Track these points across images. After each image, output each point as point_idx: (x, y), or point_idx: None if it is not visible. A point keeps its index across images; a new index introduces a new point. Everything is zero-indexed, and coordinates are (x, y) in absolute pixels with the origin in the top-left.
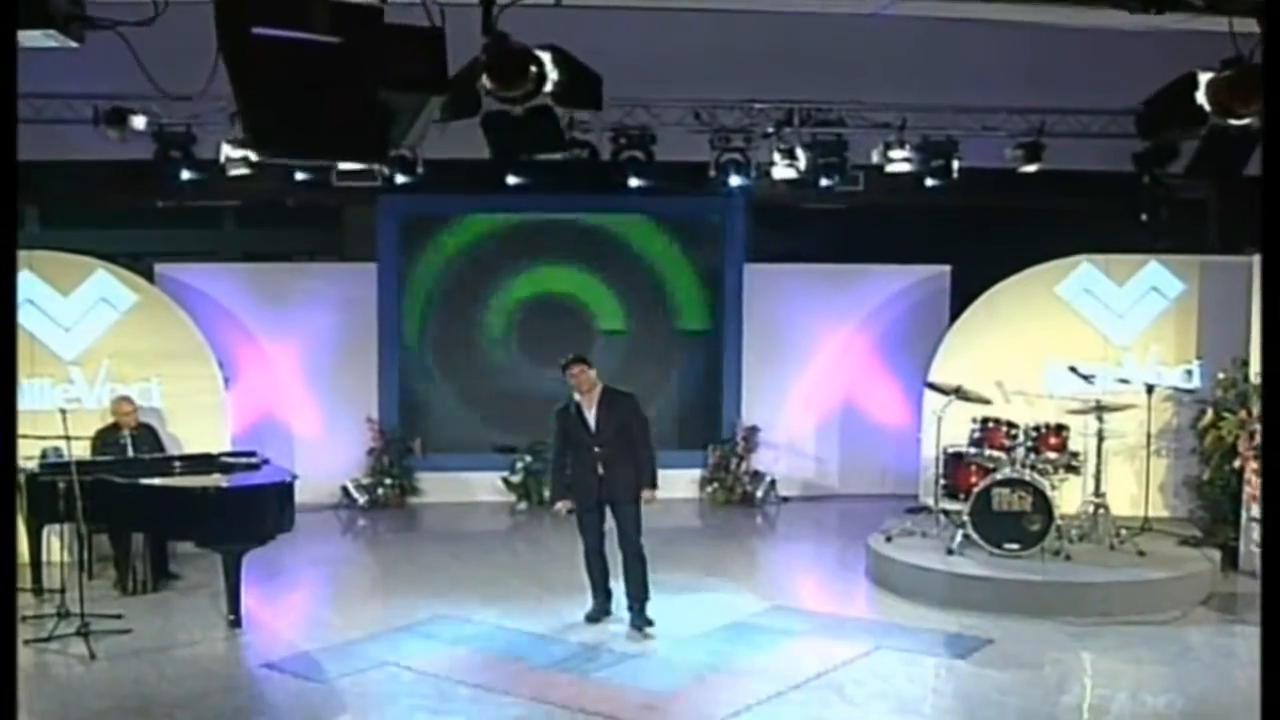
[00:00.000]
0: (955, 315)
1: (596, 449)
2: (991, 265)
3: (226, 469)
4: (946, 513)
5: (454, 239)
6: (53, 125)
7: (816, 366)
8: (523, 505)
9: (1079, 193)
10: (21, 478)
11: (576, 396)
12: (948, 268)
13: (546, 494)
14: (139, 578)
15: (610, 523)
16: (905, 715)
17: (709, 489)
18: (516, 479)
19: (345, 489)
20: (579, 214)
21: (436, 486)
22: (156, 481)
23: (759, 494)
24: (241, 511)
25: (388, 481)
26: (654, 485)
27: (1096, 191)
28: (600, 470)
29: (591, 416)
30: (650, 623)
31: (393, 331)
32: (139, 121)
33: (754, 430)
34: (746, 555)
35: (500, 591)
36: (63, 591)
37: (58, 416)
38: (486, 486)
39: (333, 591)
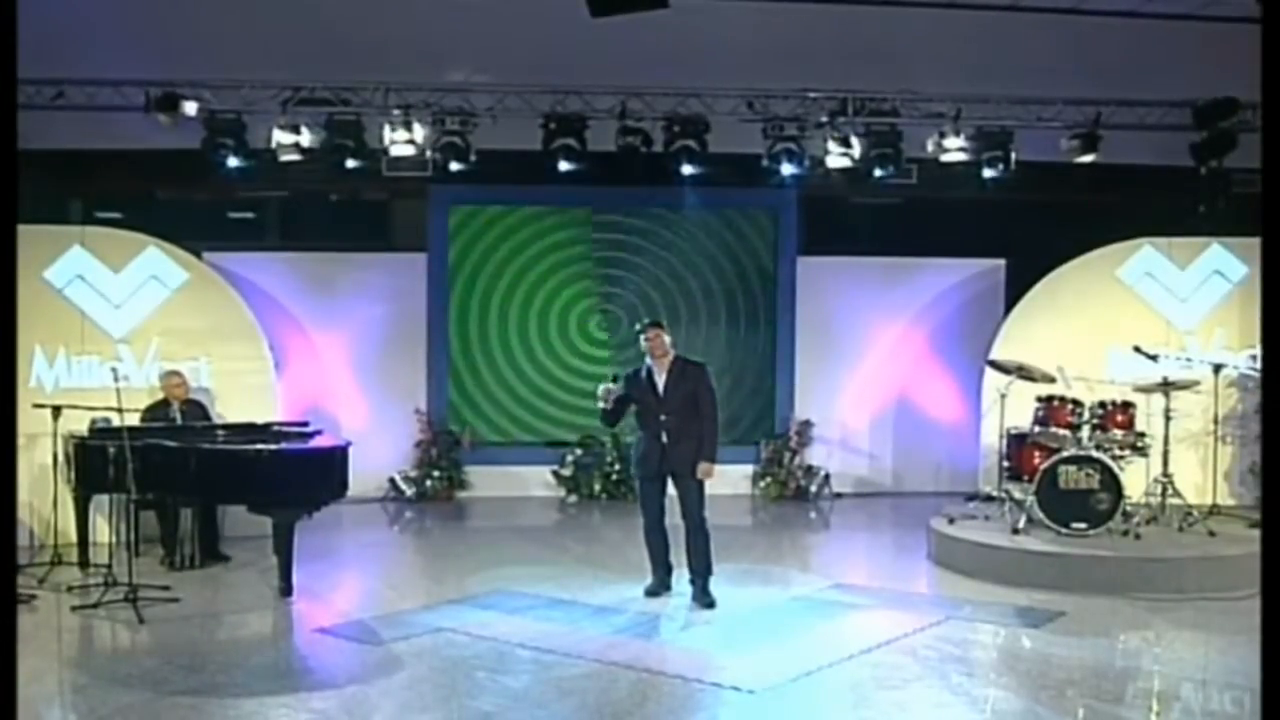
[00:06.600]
0: (1010, 309)
1: (663, 417)
2: (1047, 258)
3: (279, 437)
4: (1010, 496)
5: (504, 230)
6: (102, 113)
7: (870, 361)
8: (573, 499)
9: (1135, 185)
10: (71, 446)
11: (649, 362)
12: (1003, 261)
13: (597, 488)
14: (186, 553)
15: (669, 498)
16: (980, 677)
17: (762, 484)
18: (567, 472)
19: (393, 481)
20: (630, 204)
21: (485, 480)
22: (209, 445)
23: (812, 489)
24: (295, 475)
25: (436, 474)
26: (712, 460)
27: (1153, 183)
28: (664, 439)
29: (661, 383)
30: (712, 601)
31: (441, 323)
32: (190, 107)
33: (807, 425)
34: (804, 543)
35: (555, 571)
36: (109, 567)
37: (105, 392)
38: (536, 480)
39: (383, 570)
